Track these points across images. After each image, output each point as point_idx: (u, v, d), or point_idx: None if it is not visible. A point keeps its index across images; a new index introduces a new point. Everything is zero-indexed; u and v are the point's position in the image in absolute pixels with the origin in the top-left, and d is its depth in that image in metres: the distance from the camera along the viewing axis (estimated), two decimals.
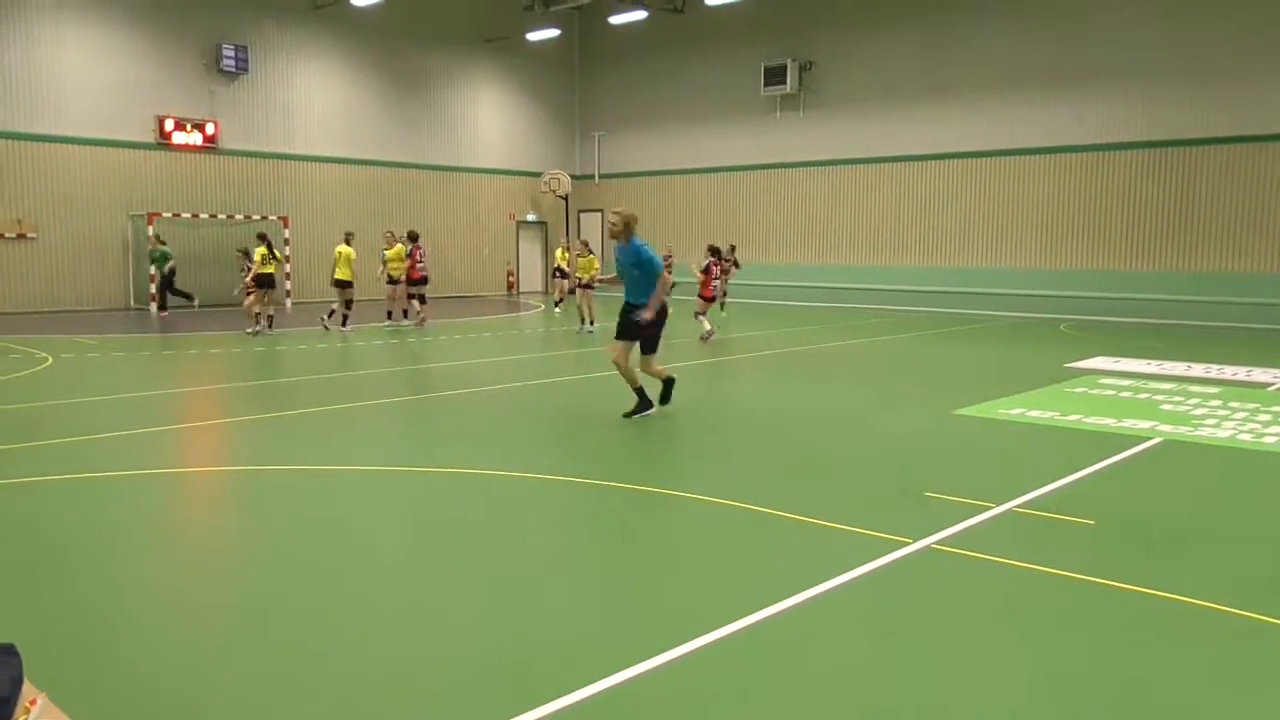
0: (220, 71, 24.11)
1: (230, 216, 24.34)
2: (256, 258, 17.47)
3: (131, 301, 23.00)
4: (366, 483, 7.29)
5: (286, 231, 24.61)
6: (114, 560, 5.48)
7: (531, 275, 31.97)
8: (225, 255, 23.81)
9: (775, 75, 26.58)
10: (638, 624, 4.57)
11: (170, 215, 23.11)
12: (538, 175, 30.92)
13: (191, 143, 23.76)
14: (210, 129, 24.00)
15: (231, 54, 24.05)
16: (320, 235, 25.73)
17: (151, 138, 23.28)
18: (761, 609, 4.63)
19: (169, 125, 23.34)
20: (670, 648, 4.18)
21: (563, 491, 7.07)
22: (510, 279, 30.91)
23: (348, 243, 18.68)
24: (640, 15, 27.02)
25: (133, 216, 22.95)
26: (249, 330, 17.44)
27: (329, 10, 25.54)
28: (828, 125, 26.38)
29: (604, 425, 9.59)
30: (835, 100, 26.20)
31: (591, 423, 9.76)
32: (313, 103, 26.16)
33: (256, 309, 17.54)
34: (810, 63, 26.46)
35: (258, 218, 24.68)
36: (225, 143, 24.38)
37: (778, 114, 27.21)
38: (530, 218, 31.37)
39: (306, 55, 25.90)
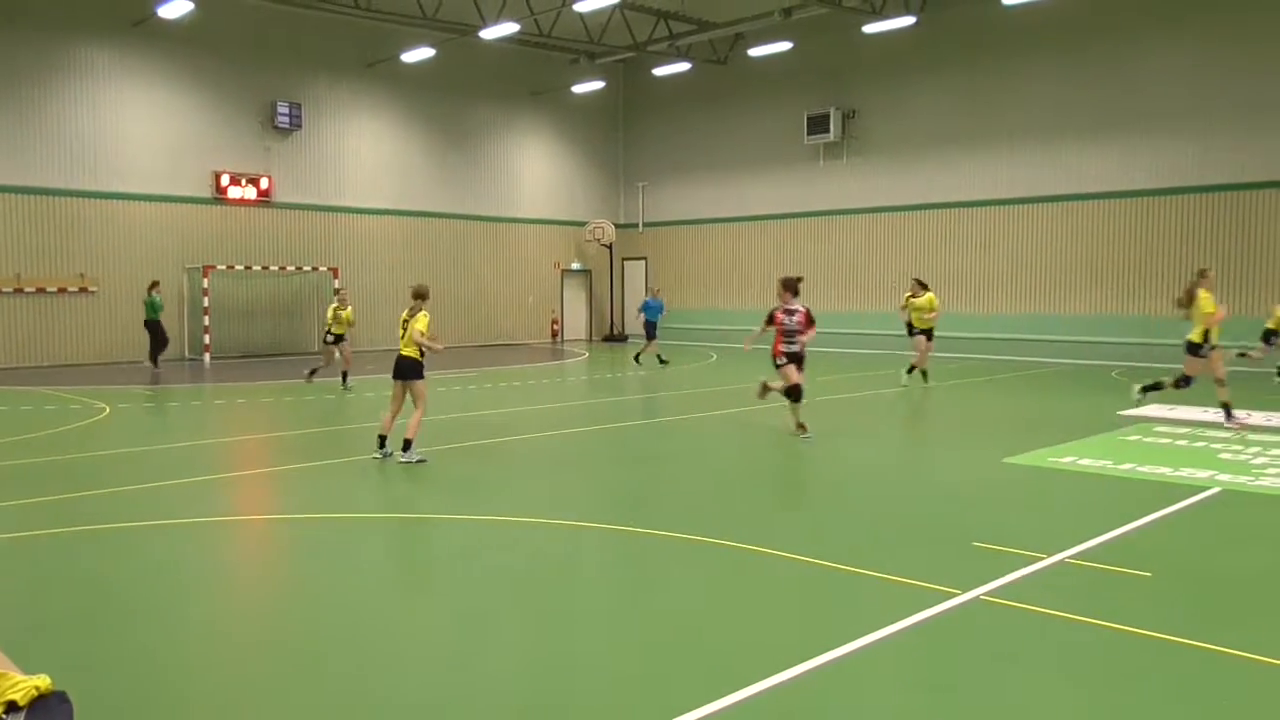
0: (275, 128, 24.80)
1: (283, 268, 24.89)
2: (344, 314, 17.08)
3: (186, 352, 23.53)
4: (426, 530, 7.33)
5: (336, 282, 25.10)
6: (170, 606, 5.56)
7: (576, 323, 32.18)
8: (278, 306, 24.31)
9: (818, 124, 26.72)
10: (689, 672, 4.53)
11: (224, 267, 23.69)
12: (582, 225, 31.26)
13: (246, 197, 24.40)
14: (264, 183, 24.65)
15: (286, 111, 24.75)
16: (369, 285, 26.18)
17: (208, 192, 23.96)
18: (809, 659, 4.58)
19: (224, 180, 24.01)
20: (719, 696, 4.14)
21: (617, 541, 7.06)
22: (555, 327, 31.15)
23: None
24: (684, 67, 27.39)
25: (188, 269, 23.55)
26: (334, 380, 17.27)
27: (381, 67, 26.23)
28: (872, 172, 26.40)
29: (655, 471, 9.57)
30: (879, 148, 26.23)
31: (640, 468, 9.74)
32: (363, 156, 26.78)
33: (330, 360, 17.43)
34: (854, 111, 26.57)
35: (308, 269, 25.21)
36: (279, 196, 25.01)
37: (821, 162, 27.31)
38: (575, 266, 31.67)
39: (358, 110, 26.57)
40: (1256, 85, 20.24)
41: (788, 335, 11.43)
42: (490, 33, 23.01)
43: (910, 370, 17.28)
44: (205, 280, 23.09)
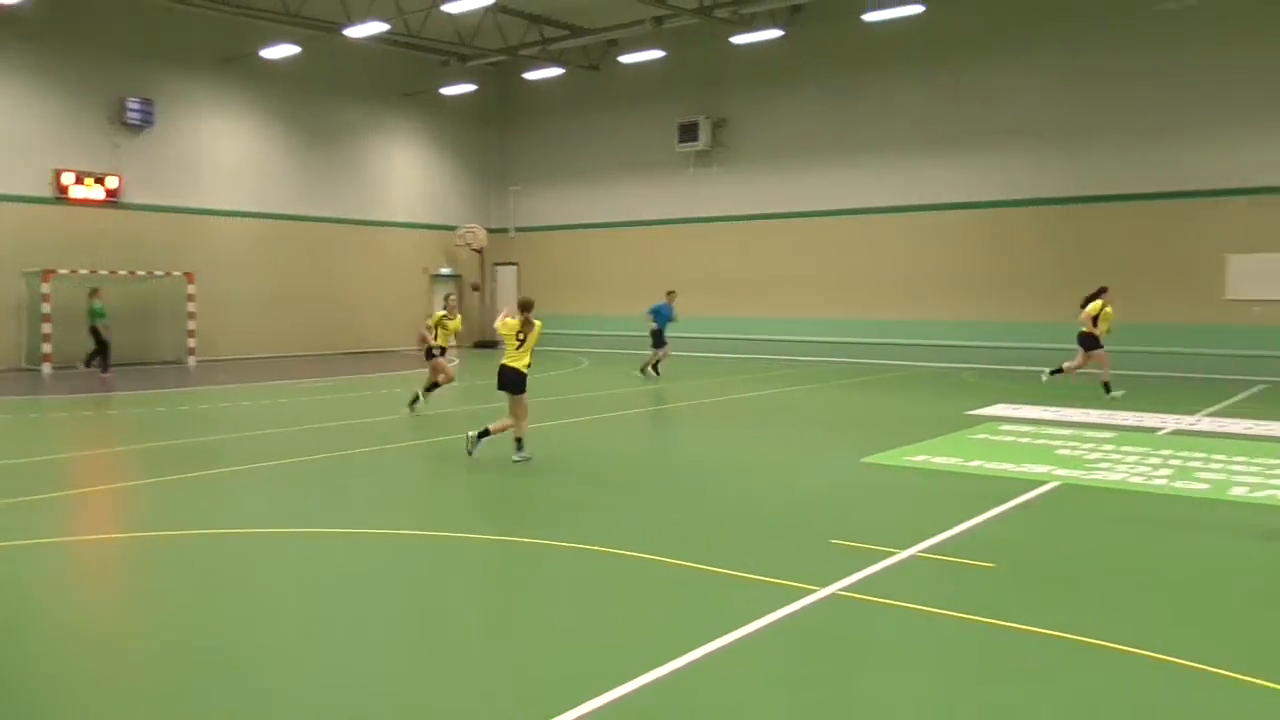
0: (125, 124, 23.55)
1: (132, 273, 23.64)
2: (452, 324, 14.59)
3: (23, 361, 22.08)
4: (272, 545, 7.09)
5: (191, 287, 24.02)
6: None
7: None
8: (127, 313, 23.03)
9: (689, 132, 27.12)
10: (555, 677, 4.52)
11: (67, 272, 22.32)
12: (453, 229, 30.83)
13: (92, 197, 23.08)
14: (113, 182, 23.37)
15: (137, 107, 23.54)
16: (226, 291, 25.15)
17: (48, 192, 22.57)
18: (673, 660, 4.63)
19: (67, 179, 22.67)
20: (586, 700, 4.15)
21: (481, 549, 6.99)
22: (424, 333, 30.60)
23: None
24: (556, 72, 27.37)
25: (26, 274, 22.09)
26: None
27: (241, 63, 25.27)
28: (741, 180, 26.93)
29: (519, 477, 9.52)
30: (748, 156, 26.79)
31: (505, 473, 9.68)
32: (221, 155, 25.71)
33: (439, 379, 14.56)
34: (724, 120, 27.07)
35: (160, 274, 24.04)
36: (128, 196, 23.75)
37: (692, 169, 27.73)
38: (445, 271, 31.20)
39: (216, 107, 25.50)
40: (1090, 106, 21.53)
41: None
42: (356, 31, 22.48)
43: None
44: (45, 285, 21.73)
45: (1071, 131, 21.85)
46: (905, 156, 24.15)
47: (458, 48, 26.48)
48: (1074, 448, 10.89)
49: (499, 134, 32.17)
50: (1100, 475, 9.32)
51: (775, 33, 23.13)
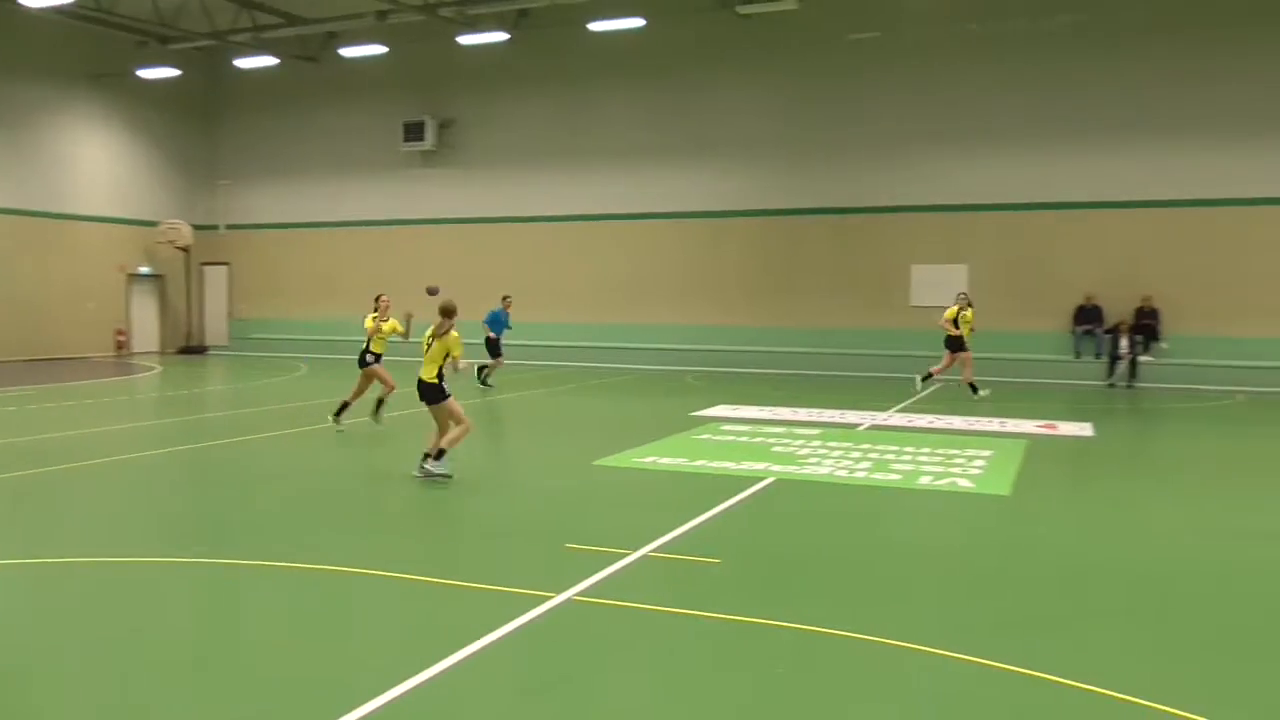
0: None
1: None
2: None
3: None
4: None
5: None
6: None
7: (147, 334, 29.00)
8: None
9: (415, 131, 26.50)
10: (282, 706, 4.24)
11: None
12: (154, 224, 28.33)
13: None
14: None
15: None
16: None
17: None
18: (407, 679, 4.48)
19: None
20: None
21: (191, 574, 6.44)
22: (120, 338, 27.88)
23: None
24: (270, 61, 25.83)
25: None
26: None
27: None
28: (468, 183, 26.66)
29: (228, 495, 8.89)
30: (476, 158, 26.56)
31: (211, 492, 9.00)
32: None
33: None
34: (451, 120, 26.70)
35: None
36: None
37: (417, 170, 27.14)
38: (144, 270, 28.60)
39: None
40: (800, 125, 23.21)
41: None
42: (35, 1, 20.16)
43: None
44: None
45: (784, 148, 23.43)
46: (629, 165, 24.90)
47: (157, 28, 24.39)
48: (787, 445, 11.66)
49: (207, 124, 29.96)
50: (810, 470, 10.04)
51: (501, 36, 23.13)
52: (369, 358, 12.81)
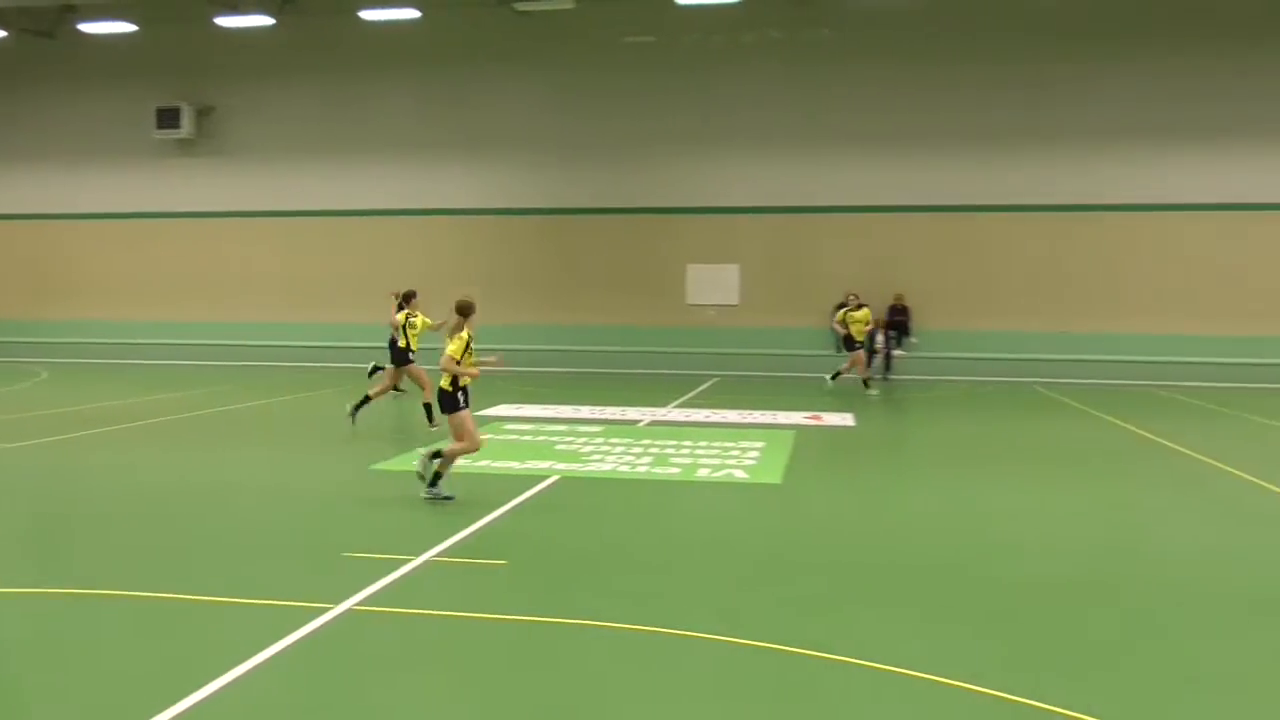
0: None
1: None
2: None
3: None
4: None
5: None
6: None
7: None
8: None
9: (169, 118, 24.60)
10: None
11: None
12: None
13: None
14: None
15: None
16: None
17: None
18: (174, 704, 4.15)
19: None
20: None
21: None
22: None
23: None
24: None
25: None
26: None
27: None
28: (231, 174, 25.04)
29: None
30: (241, 149, 24.99)
31: None
32: None
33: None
34: (211, 107, 25.01)
35: None
36: None
37: (173, 159, 25.25)
38: None
39: None
40: (580, 124, 23.38)
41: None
42: None
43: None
44: None
45: (562, 147, 23.52)
46: (407, 160, 24.24)
47: None
48: (570, 442, 11.72)
49: None
50: (594, 466, 10.14)
51: (266, 20, 21.93)
52: (410, 355, 13.12)
